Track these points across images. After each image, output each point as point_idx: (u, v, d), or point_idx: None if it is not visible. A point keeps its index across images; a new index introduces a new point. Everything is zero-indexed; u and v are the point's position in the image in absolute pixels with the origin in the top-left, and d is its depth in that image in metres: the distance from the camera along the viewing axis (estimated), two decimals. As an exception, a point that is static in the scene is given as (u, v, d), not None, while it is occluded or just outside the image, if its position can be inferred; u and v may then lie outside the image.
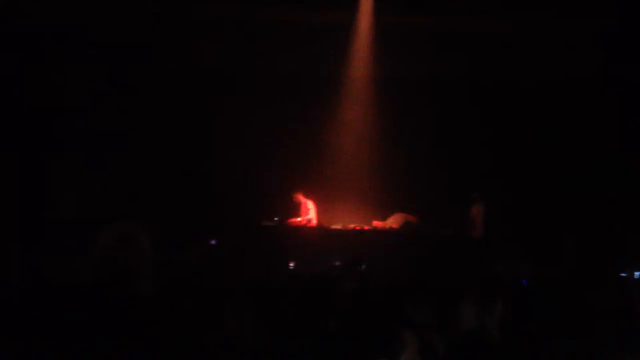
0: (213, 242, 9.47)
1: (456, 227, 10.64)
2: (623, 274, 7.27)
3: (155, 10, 10.28)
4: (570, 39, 10.58)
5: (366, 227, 10.67)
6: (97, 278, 2.49)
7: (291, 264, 8.75)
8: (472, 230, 10.79)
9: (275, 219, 10.58)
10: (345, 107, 11.63)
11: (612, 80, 10.71)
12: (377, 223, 10.77)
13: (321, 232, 10.38)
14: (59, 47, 10.14)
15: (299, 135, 11.43)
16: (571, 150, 10.98)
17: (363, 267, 6.86)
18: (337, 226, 10.67)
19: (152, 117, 10.82)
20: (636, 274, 7.49)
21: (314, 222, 10.77)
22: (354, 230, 10.50)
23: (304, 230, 10.54)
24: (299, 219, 10.80)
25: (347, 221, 10.89)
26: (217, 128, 11.14)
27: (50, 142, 10.13)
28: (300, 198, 10.85)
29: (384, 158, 11.28)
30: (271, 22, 10.76)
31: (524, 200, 10.86)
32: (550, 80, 10.88)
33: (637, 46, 10.23)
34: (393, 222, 10.71)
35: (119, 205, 9.50)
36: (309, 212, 10.84)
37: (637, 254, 8.96)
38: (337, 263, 8.77)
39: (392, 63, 11.02)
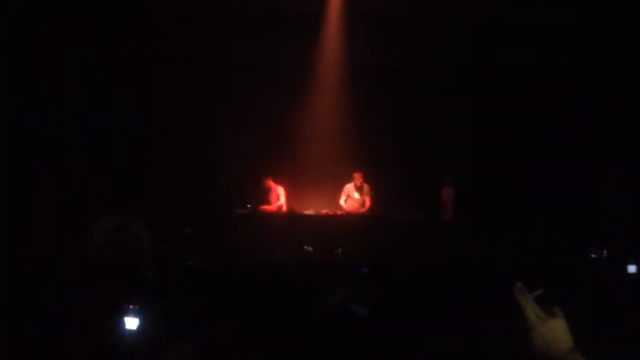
0: (187, 231, 9.45)
1: (427, 211, 10.77)
2: (592, 255, 7.44)
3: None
4: (545, 25, 10.72)
5: (339, 212, 10.76)
6: (95, 271, 2.47)
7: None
8: (443, 212, 10.95)
9: (248, 206, 10.61)
10: (318, 94, 11.66)
11: (581, 67, 10.88)
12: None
13: (294, 218, 10.44)
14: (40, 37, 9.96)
15: (270, 122, 11.43)
16: (541, 133, 11.13)
17: (339, 250, 6.93)
18: (310, 212, 10.74)
19: (120, 108, 10.72)
20: (604, 252, 7.68)
21: (284, 208, 10.85)
22: (326, 216, 10.57)
23: (276, 216, 10.58)
24: (270, 205, 10.85)
25: (319, 206, 10.97)
26: (187, 117, 11.06)
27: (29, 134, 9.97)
28: (270, 184, 10.90)
29: (355, 143, 11.35)
30: (241, 9, 10.72)
31: (495, 183, 10.99)
32: (525, 66, 10.97)
33: (611, 35, 10.44)
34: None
35: (90, 198, 9.42)
36: (280, 198, 10.90)
37: (605, 234, 9.18)
38: (310, 249, 8.82)
39: (364, 49, 11.06)
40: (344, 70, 11.50)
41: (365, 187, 10.87)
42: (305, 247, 8.80)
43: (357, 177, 10.80)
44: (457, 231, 10.00)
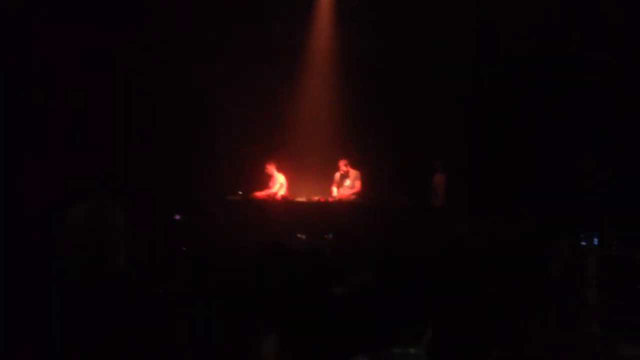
0: (177, 217, 9.41)
1: (419, 198, 10.77)
2: (583, 243, 7.46)
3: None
4: (538, 10, 10.66)
5: (330, 199, 10.74)
6: (70, 257, 2.43)
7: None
8: (434, 199, 10.95)
9: (240, 193, 10.57)
10: (309, 79, 11.63)
11: (581, 54, 10.84)
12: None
13: (285, 205, 10.41)
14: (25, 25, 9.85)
15: (262, 108, 11.39)
16: (534, 121, 11.09)
17: (331, 236, 6.95)
18: (302, 198, 10.71)
19: (110, 92, 10.66)
20: (595, 240, 7.71)
21: (282, 195, 10.78)
22: (318, 202, 10.54)
23: (268, 203, 10.55)
24: (262, 192, 10.82)
25: (311, 193, 10.94)
26: (178, 101, 11.03)
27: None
28: (272, 170, 10.84)
29: (348, 129, 11.32)
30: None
31: (487, 170, 10.96)
32: (517, 51, 10.92)
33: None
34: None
35: (77, 182, 9.40)
36: (275, 186, 10.86)
37: (595, 221, 9.15)
38: (303, 236, 8.82)
39: (355, 34, 11.02)
40: (337, 56, 11.47)
41: (353, 172, 10.84)
42: (298, 235, 8.79)
43: (342, 164, 10.80)
44: (447, 218, 9.99)
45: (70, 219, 2.47)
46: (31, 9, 9.91)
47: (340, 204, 10.57)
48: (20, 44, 9.80)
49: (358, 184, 10.84)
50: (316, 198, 10.71)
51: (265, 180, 10.93)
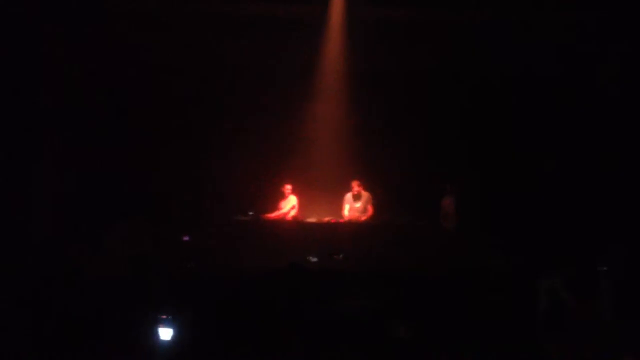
0: (186, 238, 9.38)
1: (430, 218, 10.69)
2: (604, 268, 7.34)
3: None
4: (546, 31, 10.67)
5: (341, 220, 10.68)
6: (117, 270, 2.45)
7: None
8: (445, 221, 10.86)
9: (250, 213, 10.56)
10: (320, 100, 11.66)
11: (585, 75, 10.83)
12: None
13: (296, 225, 10.37)
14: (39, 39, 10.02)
15: (273, 129, 11.42)
16: (546, 143, 11.05)
17: (341, 256, 6.89)
18: (312, 219, 10.67)
19: (122, 113, 10.77)
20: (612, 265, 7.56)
21: (293, 215, 10.75)
22: (328, 223, 10.48)
23: (278, 224, 10.51)
24: (273, 214, 10.79)
25: (321, 214, 10.90)
26: (189, 123, 11.11)
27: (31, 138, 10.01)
28: (287, 191, 10.83)
29: (359, 151, 11.31)
30: (244, 16, 10.76)
31: (498, 191, 10.91)
32: (525, 72, 10.93)
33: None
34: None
35: (89, 203, 9.47)
36: (287, 207, 10.85)
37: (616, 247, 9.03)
38: (315, 259, 8.76)
39: (366, 56, 11.06)
40: (346, 77, 11.51)
41: (365, 194, 10.82)
42: (310, 257, 8.74)
43: (354, 185, 10.78)
44: (458, 240, 9.91)
45: (117, 234, 2.50)
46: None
47: (351, 225, 10.51)
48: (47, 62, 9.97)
49: (370, 209, 10.79)
50: (327, 219, 10.67)
51: (275, 202, 10.92)
